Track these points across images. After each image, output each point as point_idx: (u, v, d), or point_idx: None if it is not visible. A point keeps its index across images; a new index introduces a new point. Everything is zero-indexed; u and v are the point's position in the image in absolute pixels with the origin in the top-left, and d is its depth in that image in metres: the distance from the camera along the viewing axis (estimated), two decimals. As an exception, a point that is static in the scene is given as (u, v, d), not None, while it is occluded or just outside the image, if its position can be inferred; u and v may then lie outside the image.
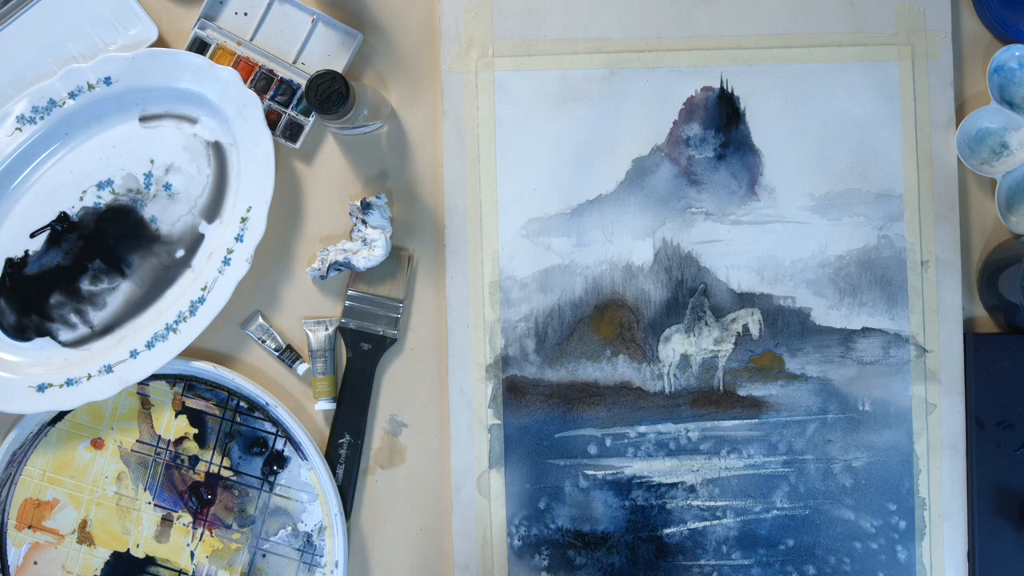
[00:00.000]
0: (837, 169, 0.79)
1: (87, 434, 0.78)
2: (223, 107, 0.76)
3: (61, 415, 0.78)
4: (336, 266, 0.77)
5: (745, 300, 0.79)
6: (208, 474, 0.78)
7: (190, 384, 0.78)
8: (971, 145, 0.79)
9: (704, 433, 0.78)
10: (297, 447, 0.78)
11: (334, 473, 0.78)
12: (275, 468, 0.78)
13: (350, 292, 0.79)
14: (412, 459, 0.80)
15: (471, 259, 0.78)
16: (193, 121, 0.78)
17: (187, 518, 0.78)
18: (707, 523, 0.78)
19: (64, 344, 0.77)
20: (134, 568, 0.78)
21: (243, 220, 0.76)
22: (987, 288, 0.78)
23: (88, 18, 0.77)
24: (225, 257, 0.76)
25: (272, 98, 0.79)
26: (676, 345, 0.79)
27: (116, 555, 0.78)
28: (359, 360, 0.79)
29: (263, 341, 0.79)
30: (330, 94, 0.68)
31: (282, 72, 0.79)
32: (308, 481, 0.78)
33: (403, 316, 0.79)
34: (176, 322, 0.76)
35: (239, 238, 0.76)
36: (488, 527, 0.78)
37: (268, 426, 0.78)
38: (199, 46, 0.78)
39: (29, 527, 0.78)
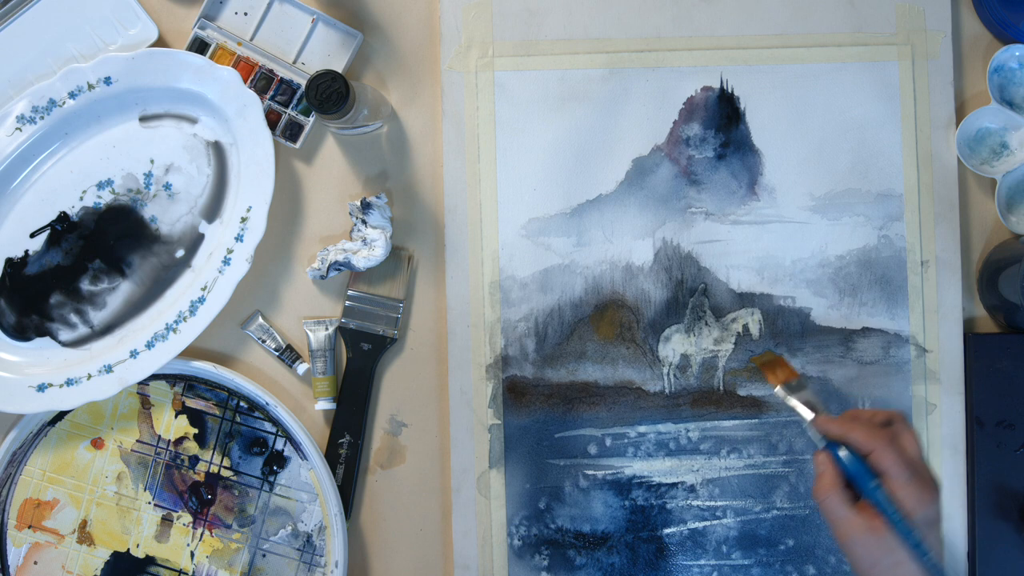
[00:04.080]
0: (837, 169, 0.79)
1: (87, 434, 0.78)
2: (223, 107, 0.76)
3: (61, 415, 0.78)
4: (336, 266, 0.77)
5: (745, 300, 0.79)
6: (208, 474, 0.78)
7: (190, 384, 0.78)
8: (971, 145, 0.79)
9: (704, 433, 0.78)
10: (297, 447, 0.78)
11: (334, 473, 0.78)
12: (275, 468, 0.78)
13: (350, 292, 0.79)
14: (412, 459, 0.79)
15: (471, 259, 0.78)
16: (193, 121, 0.78)
17: (187, 518, 0.78)
18: (707, 523, 0.78)
19: (64, 344, 0.77)
20: (134, 568, 0.78)
21: (243, 220, 0.76)
22: (987, 288, 0.78)
23: (88, 18, 0.77)
24: (225, 257, 0.76)
25: (272, 98, 0.79)
26: (676, 345, 0.78)
27: (116, 555, 0.78)
28: (359, 360, 0.79)
29: (263, 341, 0.79)
30: (330, 94, 0.68)
31: (282, 72, 0.79)
32: (308, 481, 0.78)
33: (403, 316, 0.79)
34: (176, 322, 0.76)
35: (239, 238, 0.76)
36: (488, 527, 0.78)
37: (268, 426, 0.78)
38: (199, 46, 0.78)
39: (29, 527, 0.78)
